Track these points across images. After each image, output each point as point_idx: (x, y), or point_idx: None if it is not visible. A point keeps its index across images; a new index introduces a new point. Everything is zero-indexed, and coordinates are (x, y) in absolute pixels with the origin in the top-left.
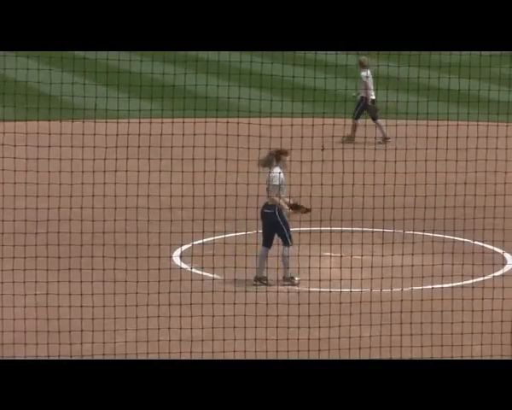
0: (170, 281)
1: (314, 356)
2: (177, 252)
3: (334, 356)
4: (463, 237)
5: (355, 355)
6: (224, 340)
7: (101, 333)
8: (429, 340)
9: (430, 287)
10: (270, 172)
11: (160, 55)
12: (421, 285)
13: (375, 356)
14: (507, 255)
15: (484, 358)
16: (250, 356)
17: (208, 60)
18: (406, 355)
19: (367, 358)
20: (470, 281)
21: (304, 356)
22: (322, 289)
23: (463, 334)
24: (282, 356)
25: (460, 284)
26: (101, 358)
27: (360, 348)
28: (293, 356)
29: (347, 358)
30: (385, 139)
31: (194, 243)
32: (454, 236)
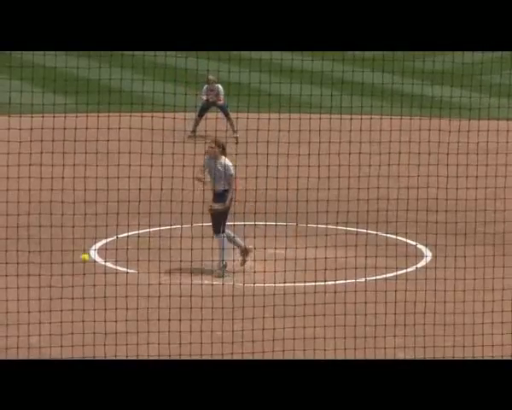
0: (84, 275)
1: (228, 349)
2: (92, 246)
3: (248, 349)
4: (376, 230)
5: (269, 347)
6: (137, 333)
7: (16, 327)
8: (342, 332)
9: (343, 281)
10: (219, 162)
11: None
12: (335, 278)
13: (289, 348)
14: (420, 247)
15: (397, 353)
16: (164, 350)
17: (123, 54)
18: (320, 346)
19: (280, 350)
20: (383, 275)
21: (217, 349)
22: (235, 283)
23: (377, 326)
24: (196, 350)
25: (373, 277)
26: (14, 352)
27: (274, 340)
28: (207, 349)
29: (261, 350)
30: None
31: (109, 236)
32: (367, 229)
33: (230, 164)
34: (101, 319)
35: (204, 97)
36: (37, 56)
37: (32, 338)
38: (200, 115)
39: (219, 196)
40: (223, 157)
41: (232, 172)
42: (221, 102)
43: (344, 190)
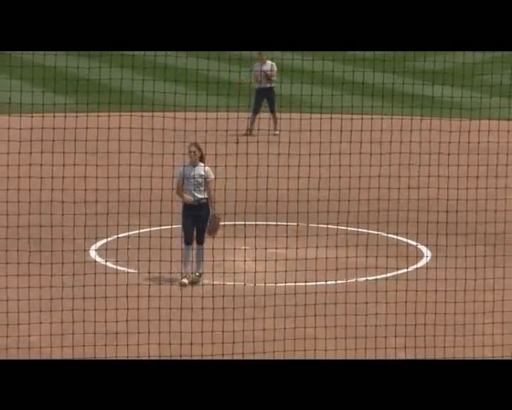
0: (84, 275)
1: (228, 350)
2: (92, 246)
3: (249, 349)
4: (377, 230)
5: (269, 348)
6: (138, 333)
7: (16, 327)
8: (343, 332)
9: (344, 281)
10: (199, 168)
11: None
12: (336, 278)
13: (289, 348)
14: (421, 248)
15: (398, 354)
16: (165, 350)
17: (123, 54)
18: (321, 347)
19: (281, 350)
20: (384, 275)
21: (218, 350)
22: (236, 283)
23: (378, 326)
24: (196, 350)
25: (374, 277)
26: (15, 352)
27: (275, 341)
28: (208, 350)
29: (261, 351)
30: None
31: (109, 236)
32: (368, 229)
33: (209, 168)
34: (102, 319)
35: (258, 84)
36: (37, 56)
37: (32, 338)
38: (256, 109)
39: (202, 207)
40: (201, 162)
41: (213, 177)
42: (273, 82)
43: (345, 190)
